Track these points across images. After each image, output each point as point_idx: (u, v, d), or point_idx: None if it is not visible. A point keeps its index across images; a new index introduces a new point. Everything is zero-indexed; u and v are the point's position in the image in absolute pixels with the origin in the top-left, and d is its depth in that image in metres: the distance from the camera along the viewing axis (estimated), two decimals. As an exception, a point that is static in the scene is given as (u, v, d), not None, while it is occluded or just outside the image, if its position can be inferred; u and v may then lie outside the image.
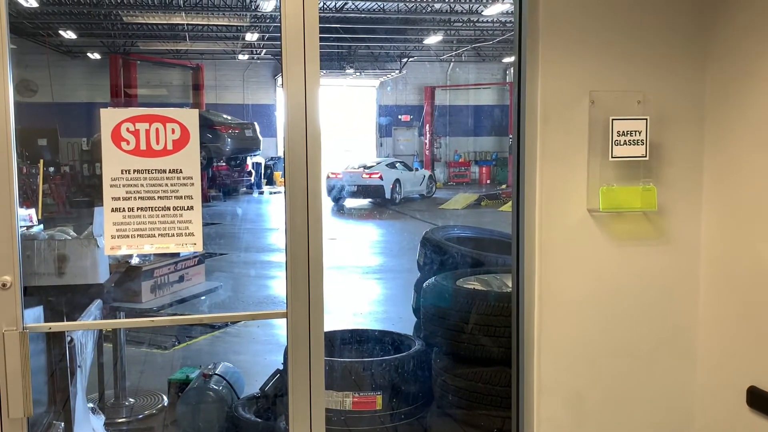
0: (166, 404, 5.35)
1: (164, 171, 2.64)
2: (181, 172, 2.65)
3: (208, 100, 22.45)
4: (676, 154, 2.99)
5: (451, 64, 27.61)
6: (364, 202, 19.19)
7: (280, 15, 2.70)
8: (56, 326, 3.27)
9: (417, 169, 21.63)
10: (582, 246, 2.97)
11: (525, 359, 3.05)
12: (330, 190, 18.72)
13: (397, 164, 20.35)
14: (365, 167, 19.37)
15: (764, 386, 2.73)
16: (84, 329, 3.93)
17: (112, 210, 2.62)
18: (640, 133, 2.88)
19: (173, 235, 2.66)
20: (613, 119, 2.87)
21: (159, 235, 2.65)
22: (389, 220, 17.81)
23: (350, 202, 19.24)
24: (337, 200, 18.75)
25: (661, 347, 3.06)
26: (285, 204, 2.74)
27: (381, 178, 18.76)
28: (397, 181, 19.20)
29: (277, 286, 9.58)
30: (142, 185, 2.63)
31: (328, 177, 18.86)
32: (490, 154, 26.83)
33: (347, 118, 27.95)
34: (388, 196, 18.65)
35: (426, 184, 20.47)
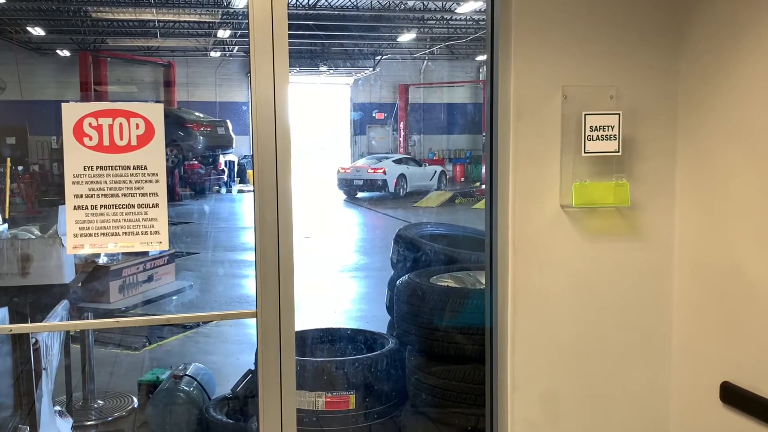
0: (136, 406, 5.27)
1: (128, 167, 2.56)
2: (145, 168, 2.58)
3: (180, 97, 22.27)
4: (649, 149, 2.97)
5: (425, 62, 27.63)
6: (372, 194, 20.70)
7: (248, 11, 2.64)
8: (18, 328, 3.18)
9: (427, 165, 22.80)
10: (555, 242, 2.94)
11: (499, 357, 3.02)
12: (340, 183, 20.70)
13: (405, 160, 21.82)
14: (371, 163, 20.98)
15: (737, 381, 2.73)
16: (46, 331, 3.83)
17: (75, 208, 2.54)
18: (612, 128, 2.86)
19: (138, 233, 2.59)
20: (585, 114, 2.84)
21: (123, 233, 2.58)
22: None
23: (361, 194, 20.95)
24: (347, 193, 20.56)
25: (636, 343, 3.05)
26: (254, 202, 2.69)
27: (384, 172, 20.26)
28: (402, 175, 20.55)
29: (251, 285, 9.48)
30: (105, 182, 2.55)
31: (338, 171, 21.16)
32: (464, 152, 26.93)
33: (321, 116, 27.87)
34: (391, 189, 20.11)
35: (437, 179, 21.71)
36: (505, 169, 2.91)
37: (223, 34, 21.40)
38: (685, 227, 2.99)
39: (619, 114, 2.86)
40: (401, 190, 20.29)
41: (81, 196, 2.54)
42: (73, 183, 2.54)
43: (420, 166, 22.19)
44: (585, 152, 2.86)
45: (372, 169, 20.61)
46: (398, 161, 21.42)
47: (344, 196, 21.06)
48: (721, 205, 2.79)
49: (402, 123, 27.25)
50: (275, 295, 2.73)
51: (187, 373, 4.94)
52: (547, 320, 2.97)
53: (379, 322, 6.48)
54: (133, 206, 2.58)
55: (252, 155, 2.69)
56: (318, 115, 27.57)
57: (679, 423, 3.06)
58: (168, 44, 22.18)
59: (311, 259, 10.98)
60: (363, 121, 28.15)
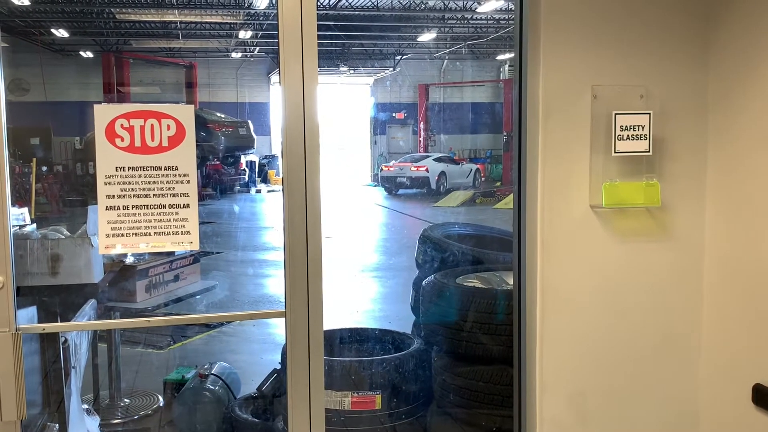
0: (161, 405, 5.30)
1: (159, 168, 2.58)
2: (176, 169, 2.60)
3: (202, 98, 22.40)
4: (680, 149, 2.95)
5: (445, 61, 27.58)
6: (411, 190, 21.77)
7: (277, 11, 2.65)
8: (50, 327, 3.21)
9: (463, 164, 23.58)
10: (584, 242, 2.93)
11: (527, 357, 3.01)
12: (383, 180, 22.05)
13: (444, 158, 22.69)
14: (414, 161, 21.96)
15: (770, 384, 2.70)
16: (78, 330, 3.87)
17: (107, 208, 2.56)
18: (643, 128, 2.84)
19: (169, 233, 2.61)
20: (615, 114, 2.82)
21: (155, 233, 2.60)
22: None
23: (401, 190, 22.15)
24: (389, 190, 21.73)
25: (665, 345, 3.03)
26: (283, 202, 2.69)
27: (427, 170, 21.25)
28: (443, 173, 21.48)
29: (272, 285, 9.53)
30: (137, 183, 2.57)
31: (381, 170, 22.69)
32: (485, 152, 26.86)
33: (341, 116, 27.92)
34: (433, 186, 21.04)
35: (473, 177, 22.49)
36: (534, 168, 2.90)
37: (244, 35, 21.49)
38: (715, 228, 2.96)
39: (649, 114, 2.85)
40: (442, 187, 21.10)
41: (113, 196, 2.57)
42: (105, 183, 2.56)
43: (457, 164, 22.90)
44: (615, 152, 2.84)
45: (415, 167, 21.49)
46: (438, 159, 22.22)
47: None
48: (753, 205, 2.76)
49: (422, 123, 27.24)
50: (304, 295, 2.74)
51: (212, 372, 4.96)
52: (575, 320, 2.95)
53: (401, 322, 6.47)
54: (164, 206, 2.60)
55: (278, 156, 2.70)
56: (337, 115, 27.63)
57: (709, 425, 3.03)
58: (190, 45, 22.33)
59: (332, 259, 11.01)
60: (383, 120, 28.18)
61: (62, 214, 13.18)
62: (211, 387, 4.81)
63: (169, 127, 2.58)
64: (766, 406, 2.71)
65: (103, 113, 2.55)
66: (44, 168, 15.96)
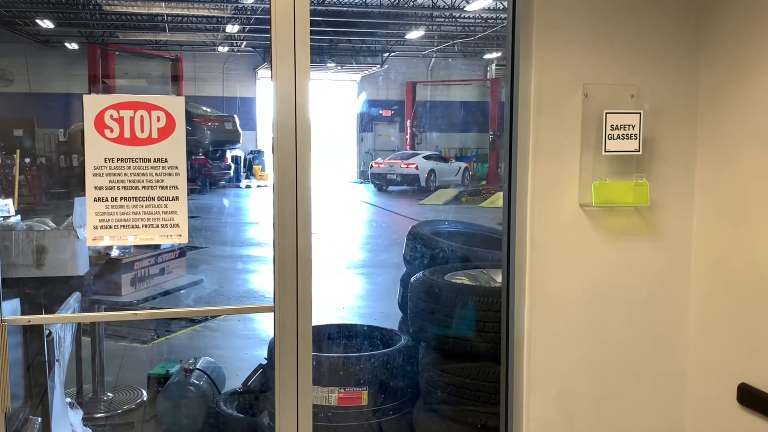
0: (145, 399, 5.27)
1: (149, 160, 2.56)
2: (166, 161, 2.57)
3: (188, 92, 22.26)
4: (669, 149, 2.96)
5: (433, 59, 27.60)
6: (400, 187, 21.93)
7: (270, 4, 2.63)
8: (36, 319, 3.18)
9: (452, 162, 23.80)
10: (573, 241, 2.94)
11: (514, 356, 3.01)
12: (373, 177, 22.29)
13: (433, 156, 22.93)
14: (403, 158, 22.17)
15: (755, 383, 2.72)
16: (64, 322, 3.83)
17: (95, 200, 2.53)
18: (633, 127, 2.85)
19: (158, 226, 2.58)
20: (606, 113, 2.83)
21: (143, 225, 2.57)
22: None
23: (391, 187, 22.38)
24: (379, 186, 21.88)
25: (652, 343, 3.04)
26: (273, 198, 2.68)
27: (417, 168, 21.41)
28: (432, 171, 21.64)
29: (257, 280, 9.50)
30: (125, 174, 2.55)
31: (371, 167, 22.85)
32: (471, 150, 26.92)
33: (327, 113, 27.87)
34: (423, 184, 21.21)
35: (462, 175, 22.66)
36: (525, 166, 2.91)
37: (231, 29, 21.40)
38: (703, 227, 2.98)
39: (639, 113, 2.86)
40: (431, 185, 21.26)
41: (101, 188, 2.54)
42: (94, 175, 2.54)
43: (446, 162, 23.10)
44: (605, 151, 2.85)
45: (405, 164, 21.70)
46: (427, 157, 22.43)
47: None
48: (741, 204, 2.78)
49: (409, 120, 27.26)
50: (293, 290, 2.73)
51: (197, 366, 4.94)
52: (563, 319, 2.96)
53: (387, 320, 6.47)
54: (153, 199, 2.57)
55: (272, 150, 2.68)
56: (323, 111, 27.58)
57: (695, 424, 3.05)
58: (176, 38, 22.20)
59: (318, 255, 10.96)
60: (370, 117, 28.17)
61: (45, 206, 13.07)
62: (195, 382, 4.78)
63: (159, 119, 2.55)
64: (751, 405, 2.73)
65: (93, 103, 2.52)
66: (27, 160, 15.83)
